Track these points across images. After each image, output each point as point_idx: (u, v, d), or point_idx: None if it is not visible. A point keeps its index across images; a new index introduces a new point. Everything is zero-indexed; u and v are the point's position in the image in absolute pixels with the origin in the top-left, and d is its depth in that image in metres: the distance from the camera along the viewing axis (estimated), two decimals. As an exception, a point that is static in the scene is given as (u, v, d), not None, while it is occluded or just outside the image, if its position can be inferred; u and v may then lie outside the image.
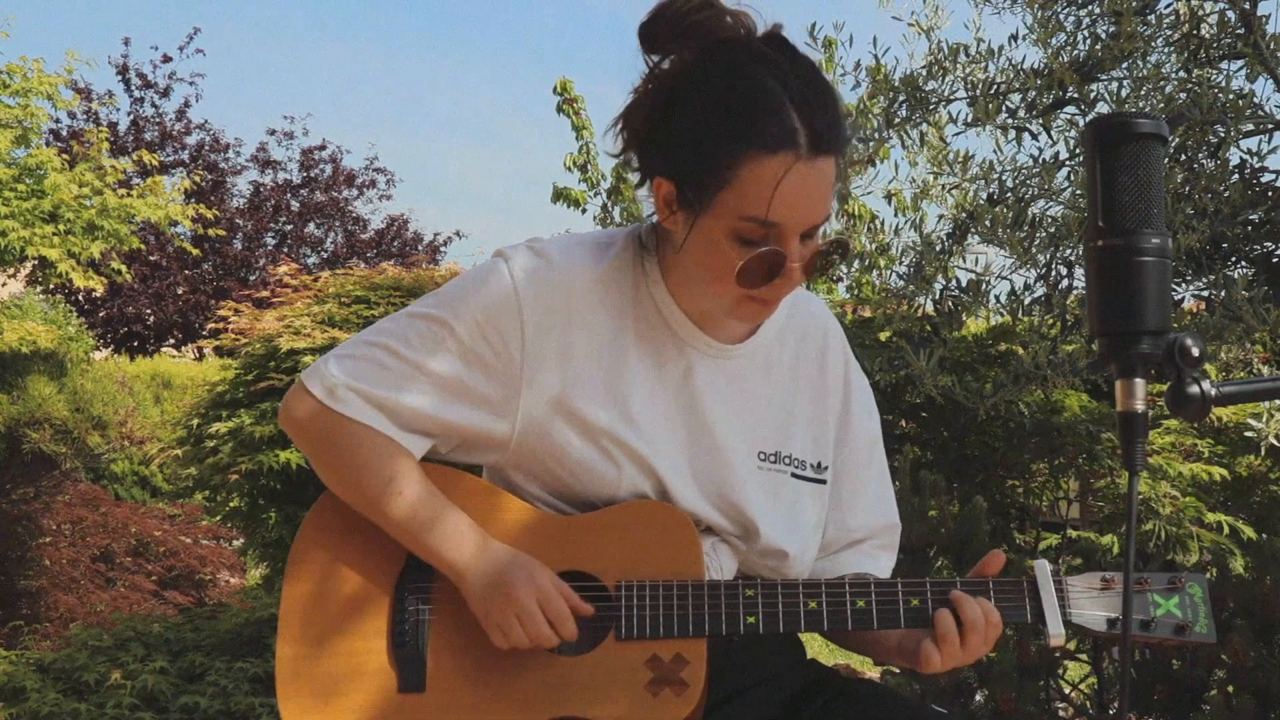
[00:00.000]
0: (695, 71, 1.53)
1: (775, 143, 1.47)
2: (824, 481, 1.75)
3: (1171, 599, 1.62)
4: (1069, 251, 3.59)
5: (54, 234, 6.35)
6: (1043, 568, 1.62)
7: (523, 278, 1.60)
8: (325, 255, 18.75)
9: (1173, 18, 3.46)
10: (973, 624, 1.58)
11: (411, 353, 1.60)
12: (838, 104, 1.54)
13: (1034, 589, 1.61)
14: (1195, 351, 1.27)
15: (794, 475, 1.72)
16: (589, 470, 1.63)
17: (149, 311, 17.57)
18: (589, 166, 7.17)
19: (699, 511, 1.65)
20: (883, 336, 4.37)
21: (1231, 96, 3.27)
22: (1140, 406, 1.29)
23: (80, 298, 16.78)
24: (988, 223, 3.46)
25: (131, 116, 18.05)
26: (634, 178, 1.63)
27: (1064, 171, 3.59)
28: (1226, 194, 3.27)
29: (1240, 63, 3.40)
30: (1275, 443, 3.27)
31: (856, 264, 4.35)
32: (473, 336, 1.60)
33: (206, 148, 18.33)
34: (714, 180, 1.50)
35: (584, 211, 7.25)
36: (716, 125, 1.49)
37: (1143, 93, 3.35)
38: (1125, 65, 3.50)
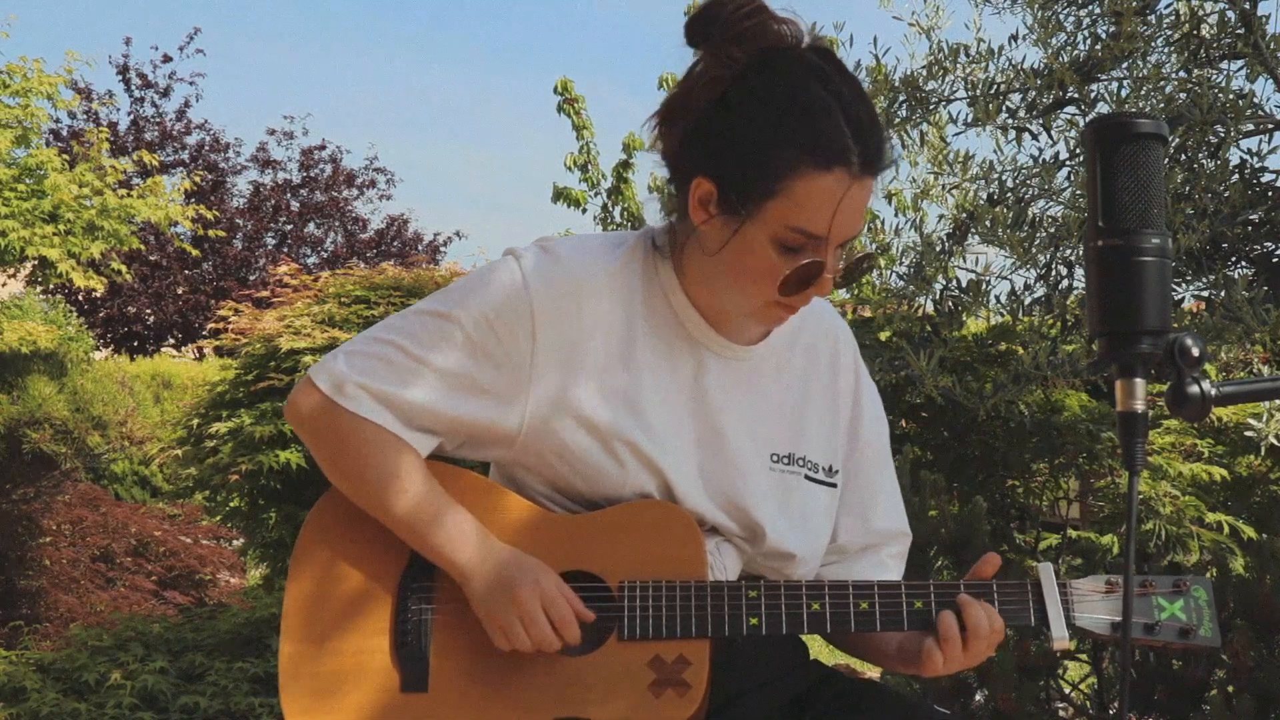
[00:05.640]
0: (750, 77, 1.52)
1: (831, 159, 1.48)
2: (835, 485, 1.75)
3: (1176, 602, 1.62)
4: (1069, 251, 3.59)
5: (54, 234, 6.35)
6: (1046, 570, 1.62)
7: (533, 274, 1.60)
8: (325, 255, 18.74)
9: (1173, 18, 3.46)
10: (975, 629, 1.58)
11: (419, 348, 1.60)
12: (883, 125, 1.55)
13: (1038, 592, 1.61)
14: (1195, 351, 1.27)
15: (807, 477, 1.72)
16: (594, 468, 1.62)
17: (149, 311, 17.56)
18: (589, 166, 7.18)
19: (704, 513, 1.65)
20: (883, 336, 4.37)
21: (1231, 96, 3.27)
22: (1140, 406, 1.28)
23: (80, 298, 16.78)
24: (988, 223, 3.46)
25: (132, 116, 18.05)
26: (662, 173, 1.63)
27: (1064, 171, 3.59)
28: (1226, 194, 3.27)
29: (1240, 63, 3.41)
30: (1275, 443, 3.27)
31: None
32: (481, 332, 1.59)
33: (206, 148, 18.32)
34: (763, 188, 1.51)
35: (584, 211, 7.26)
36: (772, 135, 1.50)
37: (1143, 93, 3.35)
38: (1125, 65, 3.50)
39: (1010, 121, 3.63)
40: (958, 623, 1.59)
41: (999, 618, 1.60)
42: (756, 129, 1.51)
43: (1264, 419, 3.27)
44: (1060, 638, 1.59)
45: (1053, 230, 3.52)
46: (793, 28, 1.54)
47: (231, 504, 4.80)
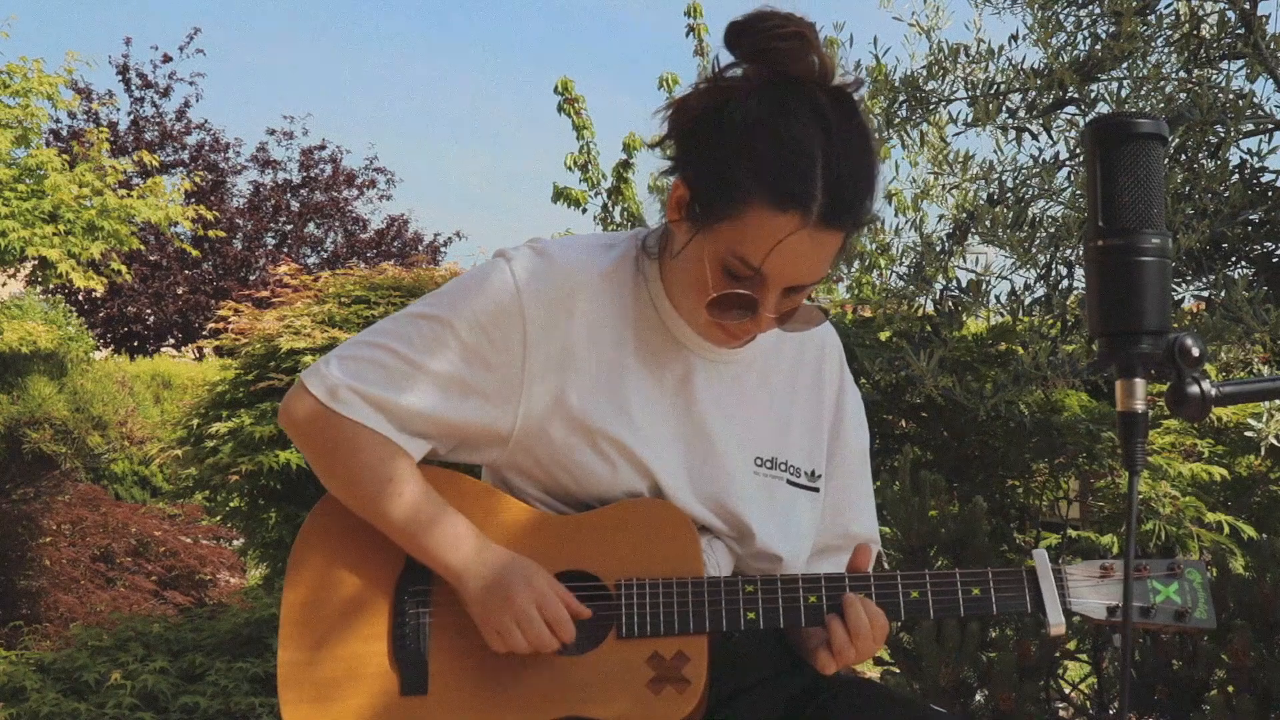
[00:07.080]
0: (751, 96, 1.51)
1: (789, 202, 1.47)
2: (817, 490, 1.76)
3: (1171, 585, 1.64)
4: (1069, 251, 3.59)
5: (54, 234, 6.36)
6: (1041, 557, 1.64)
7: (524, 276, 1.60)
8: (325, 255, 18.75)
9: (1173, 18, 3.47)
10: (857, 630, 1.59)
11: (412, 352, 1.60)
12: (871, 183, 1.52)
13: (1033, 579, 1.63)
14: (1195, 351, 1.27)
15: (789, 482, 1.72)
16: (584, 469, 1.63)
17: (149, 311, 17.57)
18: (589, 166, 7.16)
19: (694, 514, 1.65)
20: (883, 336, 4.37)
21: (1231, 96, 3.27)
22: (1140, 406, 1.28)
23: (80, 298, 16.77)
24: (988, 223, 3.46)
25: (132, 116, 18.06)
26: (665, 164, 1.63)
27: (1064, 171, 3.59)
28: (1226, 194, 3.27)
29: (1240, 63, 3.41)
30: (1275, 443, 3.27)
31: (856, 264, 4.35)
32: (474, 334, 1.60)
33: (206, 148, 18.33)
34: (720, 208, 1.51)
35: (584, 211, 7.25)
36: (743, 160, 1.49)
37: (1143, 93, 3.35)
38: (1125, 65, 3.50)
39: (1010, 121, 3.63)
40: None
41: (880, 615, 1.60)
42: (732, 150, 1.50)
43: (1264, 419, 3.27)
44: (1056, 624, 1.61)
45: (1053, 230, 3.52)
46: (829, 65, 1.52)
47: (231, 504, 4.81)
